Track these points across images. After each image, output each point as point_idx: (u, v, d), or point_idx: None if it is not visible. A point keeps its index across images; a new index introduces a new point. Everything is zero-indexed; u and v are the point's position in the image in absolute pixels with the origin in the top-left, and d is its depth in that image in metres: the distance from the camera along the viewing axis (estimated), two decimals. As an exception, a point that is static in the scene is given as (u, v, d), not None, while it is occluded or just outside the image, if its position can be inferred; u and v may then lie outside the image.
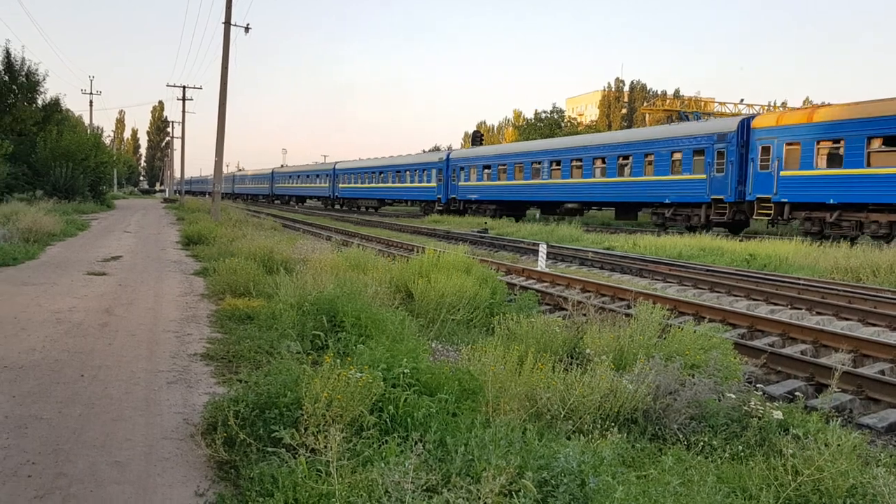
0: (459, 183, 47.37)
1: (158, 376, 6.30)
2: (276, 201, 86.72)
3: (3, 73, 40.36)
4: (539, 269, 17.28)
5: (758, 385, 6.96)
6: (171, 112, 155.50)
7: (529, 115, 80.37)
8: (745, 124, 27.63)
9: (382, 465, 3.70)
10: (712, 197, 28.43)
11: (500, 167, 43.70)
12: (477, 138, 64.41)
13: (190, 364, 6.76)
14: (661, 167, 31.44)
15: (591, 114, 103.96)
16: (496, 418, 4.78)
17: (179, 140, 72.62)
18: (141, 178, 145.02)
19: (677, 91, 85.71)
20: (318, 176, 73.53)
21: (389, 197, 60.27)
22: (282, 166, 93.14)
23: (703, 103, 56.78)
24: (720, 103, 54.08)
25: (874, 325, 11.14)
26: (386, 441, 4.11)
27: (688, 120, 41.32)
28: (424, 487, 3.55)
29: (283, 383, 4.85)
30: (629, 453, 4.62)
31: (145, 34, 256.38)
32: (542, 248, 18.61)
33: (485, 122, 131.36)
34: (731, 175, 27.56)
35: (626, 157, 33.73)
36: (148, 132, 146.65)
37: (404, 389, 4.80)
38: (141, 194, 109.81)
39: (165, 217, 38.73)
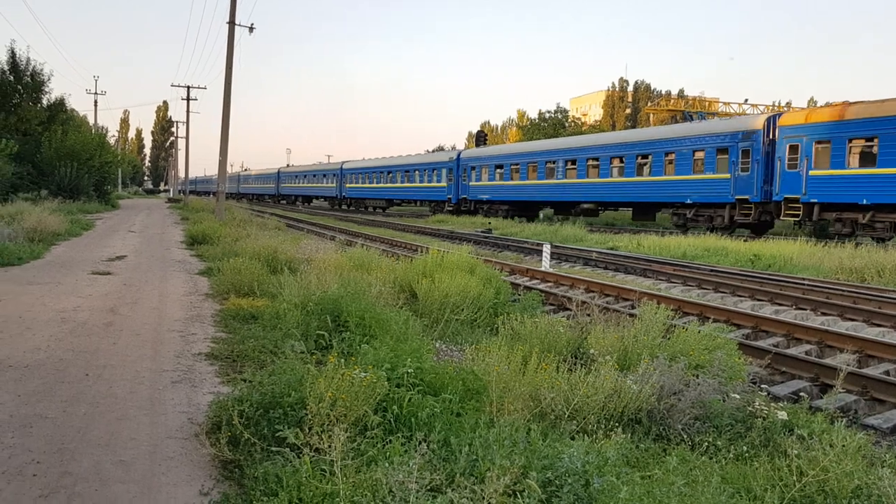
0: (470, 183, 46.49)
1: (163, 376, 6.31)
2: (281, 201, 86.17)
3: (8, 73, 40.45)
4: (543, 269, 17.27)
5: (762, 385, 6.94)
6: (176, 112, 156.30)
7: (533, 115, 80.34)
8: (772, 122, 26.76)
9: (386, 464, 3.70)
10: (737, 197, 27.53)
11: (512, 167, 42.67)
12: (481, 138, 64.29)
13: (194, 363, 6.77)
14: (682, 166, 30.61)
15: (595, 114, 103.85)
16: (500, 418, 4.78)
17: (184, 140, 73.17)
18: (145, 177, 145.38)
19: (681, 91, 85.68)
20: (324, 176, 72.79)
21: (398, 197, 59.08)
22: (288, 166, 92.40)
23: (707, 103, 56.67)
24: (724, 103, 53.98)
25: (879, 325, 11.11)
26: (390, 441, 4.12)
27: (692, 120, 41.26)
28: (428, 487, 3.55)
29: (287, 383, 4.85)
30: (633, 453, 4.61)
31: (150, 34, 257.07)
32: (546, 249, 18.60)
33: (488, 122, 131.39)
34: (756, 174, 26.68)
35: (645, 156, 32.87)
36: (152, 132, 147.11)
37: (408, 389, 4.80)
38: (145, 194, 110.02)
39: (170, 217, 38.80)
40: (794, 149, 25.33)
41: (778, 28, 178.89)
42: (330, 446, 3.76)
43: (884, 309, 11.94)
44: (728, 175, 27.83)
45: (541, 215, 42.93)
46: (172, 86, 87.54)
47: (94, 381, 6.07)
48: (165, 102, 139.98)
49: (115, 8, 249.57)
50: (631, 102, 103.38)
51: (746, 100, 51.62)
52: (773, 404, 5.47)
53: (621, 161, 34.27)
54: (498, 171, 44.19)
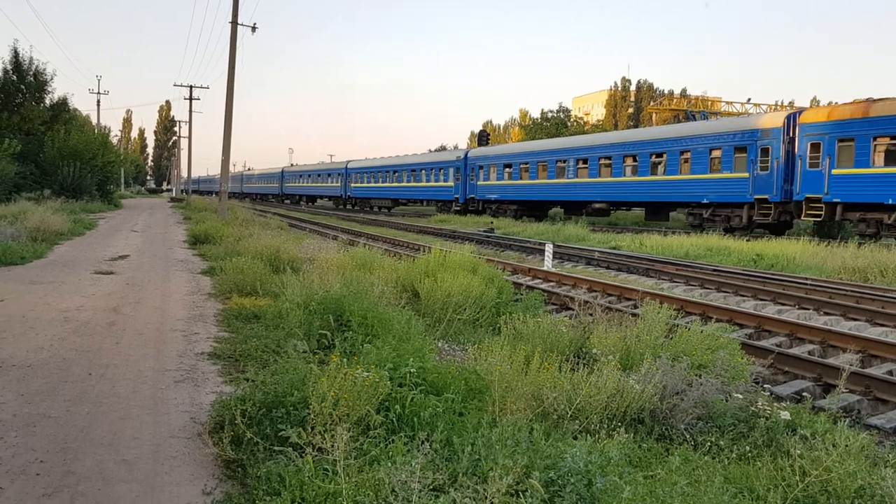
0: (478, 182, 45.58)
1: (166, 375, 6.32)
2: (285, 201, 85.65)
3: (11, 72, 40.52)
4: (545, 268, 17.27)
5: (765, 385, 6.95)
6: (178, 112, 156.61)
7: (536, 114, 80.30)
8: (792, 120, 25.97)
9: (389, 464, 3.71)
10: (755, 197, 26.74)
11: (522, 166, 41.77)
12: (483, 138, 64.22)
13: (197, 363, 6.78)
14: (698, 165, 29.82)
15: (598, 113, 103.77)
16: (503, 418, 4.78)
17: (186, 139, 73.21)
18: (148, 177, 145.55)
19: (684, 90, 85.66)
20: (329, 175, 72.07)
21: (404, 197, 58.07)
22: (292, 165, 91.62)
23: (709, 103, 56.55)
24: (727, 102, 53.86)
25: (882, 325, 11.09)
26: (392, 440, 4.12)
27: (695, 119, 41.10)
28: (431, 487, 3.55)
29: (289, 382, 4.86)
30: (636, 453, 4.61)
31: (152, 34, 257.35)
32: (549, 248, 18.59)
33: (491, 122, 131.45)
34: (776, 173, 25.93)
35: (659, 155, 32.04)
36: (155, 132, 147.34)
37: (411, 389, 4.80)
38: (148, 194, 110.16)
39: (172, 216, 38.85)
40: (815, 147, 24.64)
41: (778, 28, 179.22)
42: (333, 446, 3.76)
43: (887, 309, 11.92)
44: (746, 174, 27.11)
45: (550, 216, 42.08)
46: (175, 85, 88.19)
47: (97, 380, 6.08)
48: (168, 102, 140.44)
49: (118, 7, 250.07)
50: (634, 102, 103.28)
51: (749, 99, 51.49)
52: (775, 404, 5.47)
53: (634, 160, 33.52)
54: (507, 170, 43.31)
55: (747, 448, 4.74)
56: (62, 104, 45.29)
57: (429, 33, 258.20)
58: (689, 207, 30.99)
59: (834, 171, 24.00)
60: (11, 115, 39.56)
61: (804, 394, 6.08)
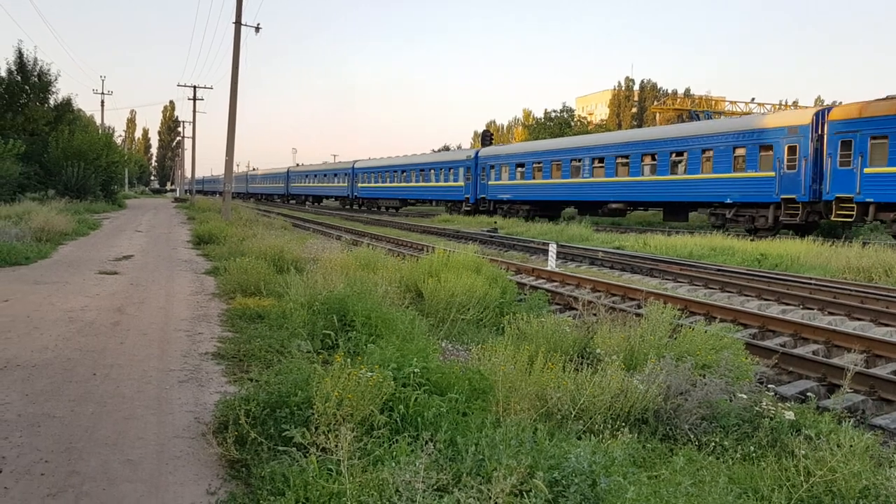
0: (489, 182, 44.50)
1: (170, 375, 6.33)
2: (291, 201, 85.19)
3: (15, 73, 40.65)
4: (549, 268, 17.26)
5: (769, 385, 6.93)
6: (182, 112, 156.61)
7: (539, 114, 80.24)
8: (821, 116, 24.93)
9: (393, 464, 3.71)
10: (782, 196, 25.73)
11: (535, 165, 40.63)
12: (487, 138, 64.24)
13: (201, 363, 6.79)
14: (721, 163, 28.72)
15: (601, 113, 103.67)
16: (506, 418, 4.78)
17: (190, 140, 73.12)
18: (152, 177, 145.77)
19: (688, 90, 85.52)
20: (335, 175, 71.28)
21: (412, 197, 56.99)
22: (297, 165, 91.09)
23: (713, 102, 56.52)
24: (731, 102, 53.85)
25: (887, 325, 11.06)
26: (396, 440, 4.12)
27: (698, 119, 40.94)
28: (435, 487, 3.55)
29: (293, 382, 4.87)
30: (640, 453, 4.60)
31: (156, 34, 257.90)
32: (552, 248, 18.57)
33: (494, 122, 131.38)
34: (804, 172, 24.96)
35: (679, 154, 31.06)
36: (159, 132, 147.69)
37: (414, 389, 4.81)
38: (152, 194, 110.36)
39: (176, 216, 38.91)
40: (846, 145, 23.73)
41: (778, 28, 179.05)
42: (336, 446, 3.76)
43: (891, 308, 11.89)
44: (772, 173, 26.10)
45: (563, 216, 41.03)
46: (179, 86, 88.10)
47: (101, 380, 6.09)
48: (172, 102, 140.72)
49: (122, 8, 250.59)
50: (637, 101, 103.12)
51: (753, 99, 51.47)
52: (780, 404, 5.46)
53: (653, 158, 32.57)
54: (519, 169, 42.23)
55: (752, 448, 4.74)
56: (66, 104, 45.42)
57: (429, 33, 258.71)
58: (711, 207, 29.96)
59: (866, 170, 23.16)
60: (16, 115, 39.70)
61: (808, 394, 6.06)
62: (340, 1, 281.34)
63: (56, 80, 42.78)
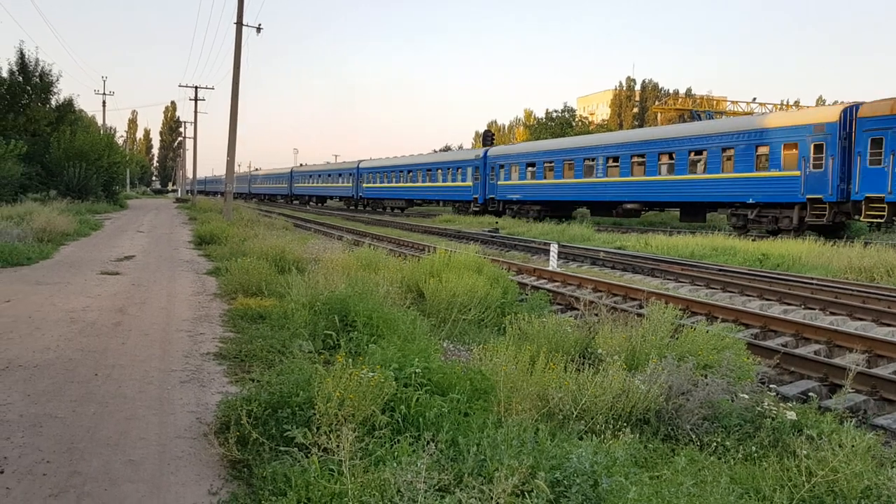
0: (499, 182, 43.49)
1: (171, 375, 6.33)
2: (294, 201, 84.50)
3: (17, 73, 40.68)
4: (550, 268, 17.25)
5: (771, 385, 6.91)
6: (184, 112, 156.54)
7: (540, 114, 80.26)
8: (849, 114, 24.08)
9: (395, 464, 3.71)
10: (808, 196, 24.84)
11: (546, 164, 39.56)
12: (488, 138, 64.16)
13: (203, 363, 6.79)
14: (742, 162, 27.74)
15: (603, 113, 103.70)
16: (508, 418, 4.77)
17: (191, 140, 73.17)
18: (153, 177, 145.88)
19: (689, 90, 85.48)
20: (340, 175, 70.42)
21: (419, 197, 55.77)
22: (301, 165, 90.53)
23: (714, 102, 56.54)
24: (732, 102, 53.86)
25: (888, 325, 11.05)
26: (398, 441, 4.12)
27: (699, 119, 40.86)
28: (437, 487, 3.56)
29: (295, 383, 4.87)
30: (642, 454, 4.60)
31: (157, 35, 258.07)
32: (554, 248, 18.57)
33: (495, 122, 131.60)
34: (832, 171, 24.03)
35: (699, 152, 30.06)
36: (160, 132, 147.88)
37: (416, 389, 4.81)
38: (153, 194, 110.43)
39: (178, 217, 38.93)
40: (876, 143, 22.85)
41: (778, 29, 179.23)
42: (338, 446, 3.76)
43: (893, 308, 11.88)
44: (798, 172, 25.20)
45: (575, 217, 39.96)
46: (180, 86, 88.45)
47: (103, 380, 6.10)
48: (173, 103, 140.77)
49: (123, 8, 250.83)
50: (639, 101, 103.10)
51: (754, 98, 51.54)
52: (781, 404, 5.45)
53: (671, 157, 31.56)
54: (529, 169, 41.15)
55: (753, 448, 4.73)
56: (68, 105, 45.46)
57: (429, 33, 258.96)
58: (731, 208, 28.94)
59: None
60: (17, 116, 39.72)
61: (810, 394, 6.05)
62: (340, 1, 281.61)
63: (58, 80, 42.87)
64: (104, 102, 71.64)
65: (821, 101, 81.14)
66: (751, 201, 27.51)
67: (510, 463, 3.71)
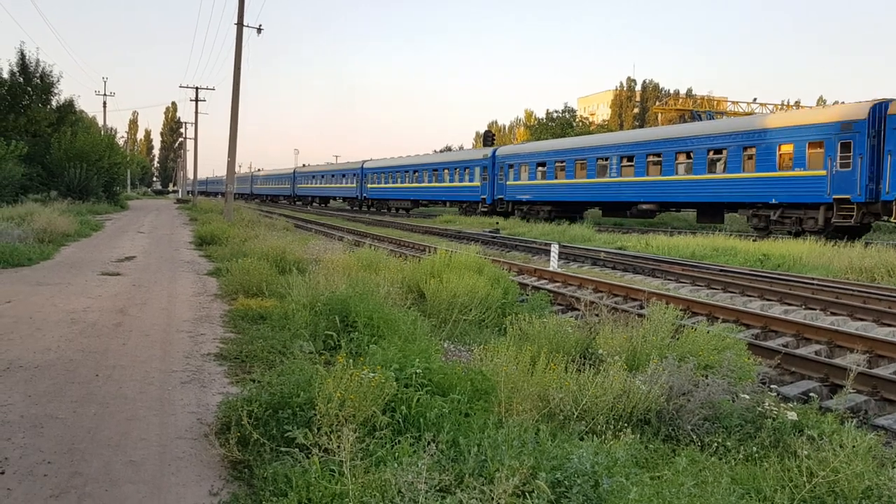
0: (507, 182, 42.67)
1: (172, 376, 6.33)
2: (297, 202, 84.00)
3: (17, 74, 40.69)
4: (551, 269, 17.25)
5: (772, 386, 6.90)
6: (184, 113, 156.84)
7: (540, 114, 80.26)
8: (879, 110, 23.15)
9: (395, 465, 3.71)
10: (834, 197, 23.96)
11: (557, 164, 38.70)
12: (489, 138, 64.08)
13: (203, 364, 6.79)
14: (764, 162, 26.82)
15: (604, 113, 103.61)
16: (509, 419, 4.77)
17: (192, 141, 73.17)
18: (154, 178, 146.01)
19: (689, 90, 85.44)
20: (343, 175, 69.37)
21: (425, 198, 54.76)
22: (304, 165, 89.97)
23: (715, 102, 56.53)
24: (733, 102, 53.84)
25: (889, 325, 11.05)
26: (399, 441, 4.12)
27: (700, 119, 40.79)
28: (437, 488, 3.56)
29: (296, 383, 4.87)
30: (642, 454, 4.60)
31: (158, 35, 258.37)
32: (554, 248, 18.57)
33: (496, 122, 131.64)
34: (860, 171, 23.13)
35: (718, 151, 29.07)
36: (161, 133, 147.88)
37: (417, 389, 4.81)
38: (154, 195, 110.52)
39: (178, 218, 38.94)
40: None
41: (779, 28, 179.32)
42: (339, 446, 3.77)
43: (894, 309, 11.88)
44: (823, 171, 24.31)
45: (586, 217, 39.04)
46: (181, 87, 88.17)
47: (103, 381, 6.10)
48: (174, 103, 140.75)
49: (124, 9, 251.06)
50: (639, 102, 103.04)
51: (755, 99, 51.51)
52: (782, 405, 5.45)
53: (688, 157, 30.70)
54: (539, 168, 40.27)
55: (754, 449, 4.73)
56: (68, 106, 45.44)
57: (429, 33, 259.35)
58: (753, 208, 27.98)
59: None
60: (18, 116, 39.72)
61: (811, 394, 6.05)
62: (340, 1, 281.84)
63: (58, 81, 42.87)
64: (105, 103, 71.70)
65: (821, 102, 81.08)
66: (774, 201, 26.72)
67: (511, 463, 3.70)
